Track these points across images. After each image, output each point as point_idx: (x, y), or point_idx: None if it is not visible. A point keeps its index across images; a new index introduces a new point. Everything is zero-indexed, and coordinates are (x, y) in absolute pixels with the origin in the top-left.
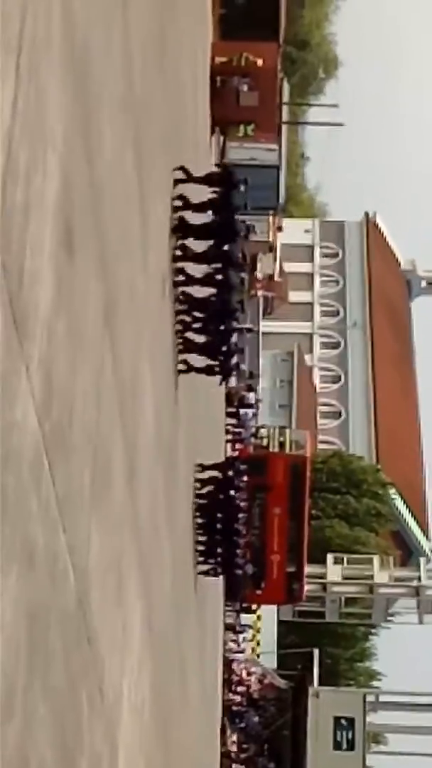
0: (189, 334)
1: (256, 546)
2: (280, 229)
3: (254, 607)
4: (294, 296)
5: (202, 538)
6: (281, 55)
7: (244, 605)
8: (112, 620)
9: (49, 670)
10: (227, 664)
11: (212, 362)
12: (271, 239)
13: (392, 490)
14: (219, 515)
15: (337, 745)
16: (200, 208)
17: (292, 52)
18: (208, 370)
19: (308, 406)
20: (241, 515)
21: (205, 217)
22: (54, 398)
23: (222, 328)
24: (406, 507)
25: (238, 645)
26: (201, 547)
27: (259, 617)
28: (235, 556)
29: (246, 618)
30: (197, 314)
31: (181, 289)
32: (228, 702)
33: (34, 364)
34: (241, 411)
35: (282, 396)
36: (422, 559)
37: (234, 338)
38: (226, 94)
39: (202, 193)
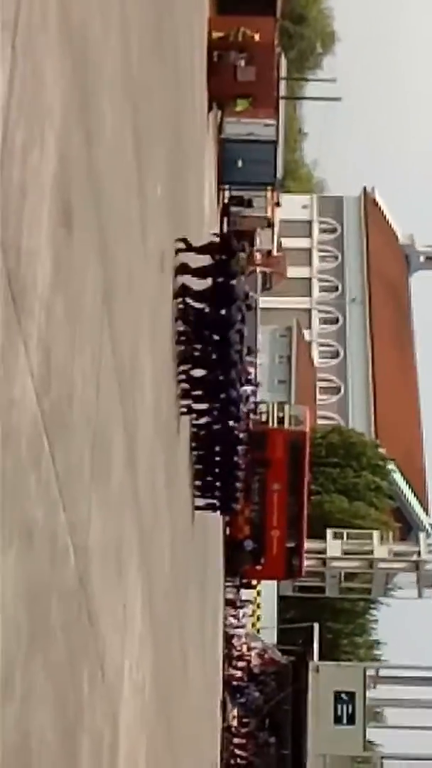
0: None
1: (256, 521)
2: (278, 204)
3: (254, 582)
4: (292, 272)
5: (199, 469)
6: (278, 29)
7: (244, 580)
8: (112, 599)
9: (49, 648)
10: (228, 639)
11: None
12: (269, 215)
13: (391, 465)
14: (217, 448)
15: (338, 720)
16: (200, 273)
17: (289, 26)
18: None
19: (307, 382)
20: (240, 447)
21: (205, 283)
22: (53, 377)
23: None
24: (406, 482)
25: (239, 620)
26: (198, 482)
27: (259, 592)
28: (234, 489)
29: (246, 593)
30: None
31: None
32: (228, 677)
33: (33, 341)
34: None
35: (281, 371)
36: (422, 534)
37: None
38: (223, 69)
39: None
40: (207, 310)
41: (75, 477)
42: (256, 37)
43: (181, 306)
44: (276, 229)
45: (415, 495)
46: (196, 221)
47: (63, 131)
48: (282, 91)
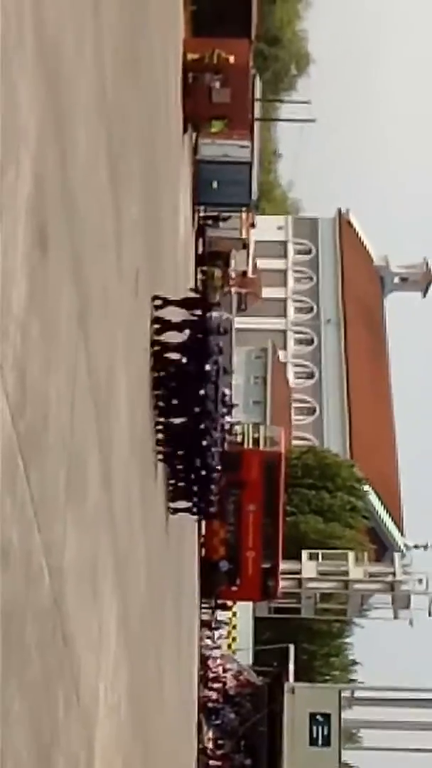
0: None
1: (231, 542)
2: (253, 225)
3: (230, 603)
4: (267, 292)
5: (173, 467)
6: (253, 51)
7: (220, 602)
8: (87, 619)
9: (24, 669)
10: (203, 660)
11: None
12: (244, 236)
13: (367, 486)
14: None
15: (313, 741)
16: (177, 327)
17: (264, 48)
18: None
19: (282, 403)
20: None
21: (182, 336)
22: (28, 398)
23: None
24: (381, 503)
25: (214, 641)
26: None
27: (234, 613)
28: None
29: (222, 614)
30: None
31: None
32: (204, 698)
33: (8, 363)
34: None
35: (256, 392)
36: (397, 555)
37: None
38: (198, 91)
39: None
40: (184, 361)
41: (50, 498)
42: (231, 59)
43: (157, 357)
44: (251, 250)
45: (390, 516)
46: (171, 242)
47: (38, 152)
48: (257, 113)
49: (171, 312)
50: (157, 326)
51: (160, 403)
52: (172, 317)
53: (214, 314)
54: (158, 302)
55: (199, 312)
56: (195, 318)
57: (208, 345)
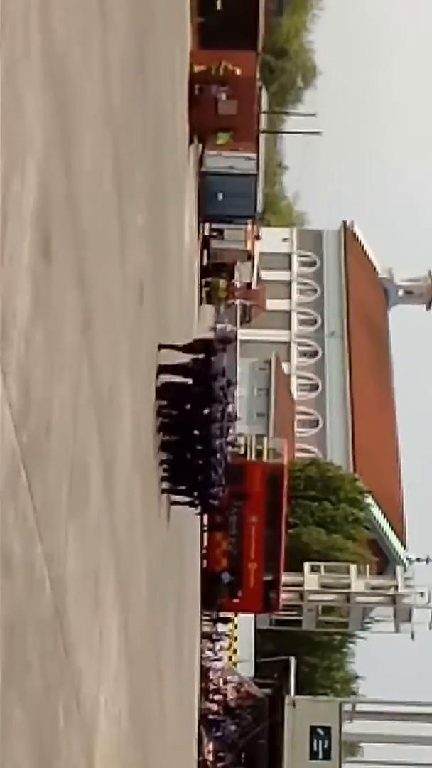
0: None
1: (233, 554)
2: (258, 237)
3: (231, 615)
4: (272, 304)
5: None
6: (260, 63)
7: (221, 613)
8: (88, 630)
9: (25, 678)
10: (204, 672)
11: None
12: (248, 248)
13: (369, 499)
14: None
15: (314, 755)
16: (182, 371)
17: (270, 60)
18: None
19: (286, 415)
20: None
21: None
22: (31, 407)
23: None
24: (383, 515)
25: (215, 653)
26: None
27: (236, 626)
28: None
29: (223, 626)
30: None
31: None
32: (205, 711)
33: (12, 372)
34: None
35: (259, 404)
36: (399, 568)
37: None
38: (204, 103)
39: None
40: (188, 407)
41: (52, 508)
42: (238, 71)
43: (163, 403)
44: (256, 262)
45: (392, 528)
46: (176, 252)
47: (44, 161)
48: (263, 125)
49: (176, 357)
50: (161, 371)
51: (165, 420)
52: (177, 360)
53: (218, 355)
54: (165, 350)
55: (202, 356)
56: (200, 363)
57: (213, 390)
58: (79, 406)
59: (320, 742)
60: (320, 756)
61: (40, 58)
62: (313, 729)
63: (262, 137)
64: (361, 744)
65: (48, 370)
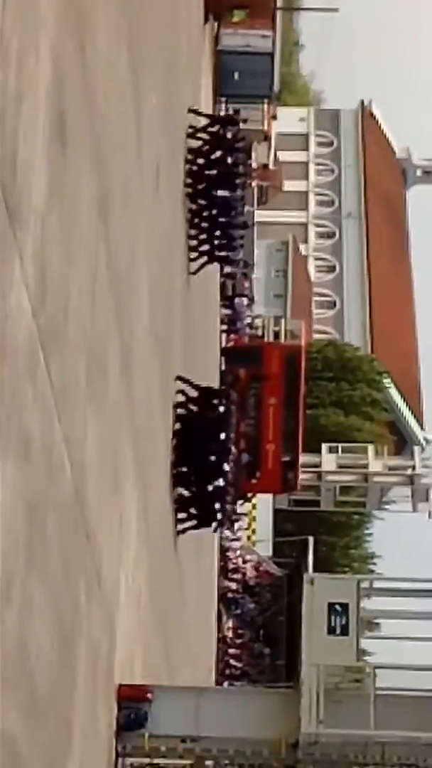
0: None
1: (252, 436)
2: (274, 117)
3: (249, 495)
4: (289, 185)
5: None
6: None
7: (240, 494)
8: (108, 512)
9: (47, 559)
10: (223, 552)
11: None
12: (265, 128)
13: (387, 379)
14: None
15: (331, 630)
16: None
17: None
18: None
19: (303, 296)
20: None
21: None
22: (48, 290)
23: None
24: (401, 396)
25: (234, 533)
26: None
27: (254, 506)
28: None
29: (241, 506)
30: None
31: None
32: (224, 589)
33: (28, 254)
34: (236, 300)
35: (277, 286)
36: (416, 448)
37: None
38: None
39: None
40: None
41: (70, 390)
42: None
43: (179, 437)
44: (272, 142)
45: (410, 409)
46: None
47: (57, 40)
48: (279, 2)
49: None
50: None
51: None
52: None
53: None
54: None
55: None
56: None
57: (228, 425)
58: (96, 289)
59: (338, 618)
60: (338, 632)
61: None
62: (331, 605)
63: (279, 14)
64: (379, 620)
65: (64, 254)
